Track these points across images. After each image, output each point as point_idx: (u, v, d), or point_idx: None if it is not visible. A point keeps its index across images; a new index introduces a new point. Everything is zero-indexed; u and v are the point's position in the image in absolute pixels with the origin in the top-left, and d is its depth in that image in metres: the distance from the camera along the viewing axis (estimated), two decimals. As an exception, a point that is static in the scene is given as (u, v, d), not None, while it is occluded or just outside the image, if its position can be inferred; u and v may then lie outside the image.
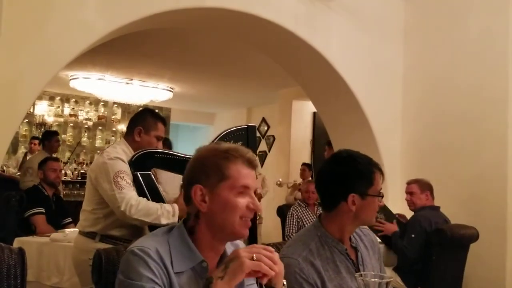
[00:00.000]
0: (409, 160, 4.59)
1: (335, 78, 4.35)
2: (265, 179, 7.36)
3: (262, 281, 1.18)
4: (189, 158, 2.53)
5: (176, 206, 2.51)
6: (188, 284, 1.26)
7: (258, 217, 6.85)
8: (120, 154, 2.56)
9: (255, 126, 2.78)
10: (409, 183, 3.90)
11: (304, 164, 7.38)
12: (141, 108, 5.02)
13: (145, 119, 2.72)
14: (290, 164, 8.32)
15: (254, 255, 1.17)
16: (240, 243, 1.46)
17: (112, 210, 2.48)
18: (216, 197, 1.29)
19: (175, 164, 2.60)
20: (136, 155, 2.58)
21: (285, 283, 1.25)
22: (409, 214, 3.90)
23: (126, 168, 2.51)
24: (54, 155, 5.80)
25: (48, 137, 5.97)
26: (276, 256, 1.21)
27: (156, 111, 3.12)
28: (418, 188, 3.84)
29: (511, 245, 3.77)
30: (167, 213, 2.46)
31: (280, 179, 7.45)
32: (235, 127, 2.67)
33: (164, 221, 2.43)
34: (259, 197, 6.93)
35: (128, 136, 2.72)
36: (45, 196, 4.12)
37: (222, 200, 1.29)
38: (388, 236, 3.71)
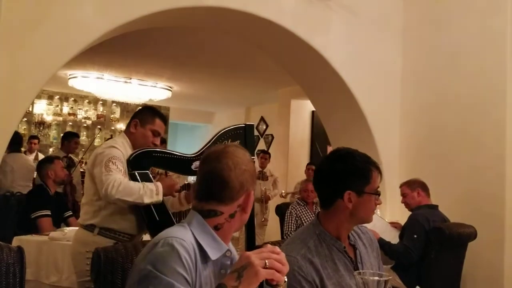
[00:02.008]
0: (407, 159, 4.60)
1: (333, 77, 4.35)
2: (277, 181, 7.29)
3: (272, 282, 1.19)
4: (188, 157, 2.55)
5: (159, 184, 2.48)
6: (209, 277, 1.29)
7: (263, 219, 6.85)
8: (118, 144, 2.59)
9: (253, 125, 2.77)
10: (400, 186, 3.96)
11: (310, 164, 7.27)
12: (140, 107, 5.03)
13: (142, 112, 2.77)
14: (289, 163, 8.33)
15: (267, 261, 1.17)
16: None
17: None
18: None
19: (173, 163, 2.60)
20: (134, 154, 2.58)
21: (286, 279, 1.25)
22: (407, 214, 3.89)
23: (120, 155, 2.51)
24: (70, 156, 5.96)
25: (68, 138, 6.06)
26: (283, 256, 1.21)
27: (156, 109, 3.15)
28: (408, 188, 3.89)
29: (509, 244, 3.78)
30: (150, 191, 2.43)
31: (283, 191, 7.36)
32: (233, 126, 2.67)
33: (147, 200, 2.41)
34: (268, 198, 6.91)
35: (127, 129, 2.76)
36: (49, 196, 4.09)
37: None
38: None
